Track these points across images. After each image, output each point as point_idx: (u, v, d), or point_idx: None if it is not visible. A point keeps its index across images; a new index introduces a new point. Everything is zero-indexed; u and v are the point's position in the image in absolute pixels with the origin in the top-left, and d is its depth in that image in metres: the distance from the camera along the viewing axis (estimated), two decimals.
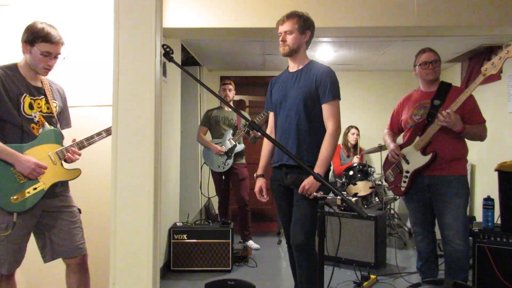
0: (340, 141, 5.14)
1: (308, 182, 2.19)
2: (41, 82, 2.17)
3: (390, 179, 2.87)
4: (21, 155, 2.00)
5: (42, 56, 2.04)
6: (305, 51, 2.44)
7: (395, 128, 2.93)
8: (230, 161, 4.16)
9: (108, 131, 2.20)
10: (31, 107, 2.08)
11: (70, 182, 2.25)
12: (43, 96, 2.16)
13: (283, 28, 2.36)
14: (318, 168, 2.23)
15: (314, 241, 2.32)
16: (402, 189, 2.73)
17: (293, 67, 2.45)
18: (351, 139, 5.17)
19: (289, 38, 2.34)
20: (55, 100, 2.22)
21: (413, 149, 2.66)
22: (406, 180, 2.70)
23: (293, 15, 2.35)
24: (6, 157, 1.97)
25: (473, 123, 2.54)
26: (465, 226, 2.55)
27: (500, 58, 2.37)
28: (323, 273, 1.86)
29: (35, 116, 2.09)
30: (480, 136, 2.60)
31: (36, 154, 2.05)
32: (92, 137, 2.21)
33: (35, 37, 2.02)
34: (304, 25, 2.35)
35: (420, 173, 2.64)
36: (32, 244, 2.15)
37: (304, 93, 2.32)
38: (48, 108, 2.17)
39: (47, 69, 2.11)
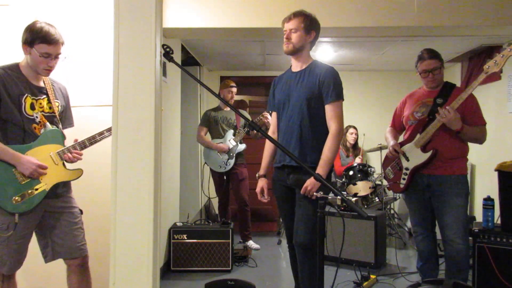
0: None
1: (310, 183, 2.19)
2: (44, 82, 2.16)
3: (389, 176, 2.87)
4: (22, 156, 1.99)
5: (42, 57, 2.03)
6: (309, 52, 2.44)
7: (397, 126, 2.94)
8: (232, 161, 4.16)
9: (110, 130, 2.16)
10: (32, 107, 2.07)
11: (71, 182, 2.24)
12: (45, 96, 2.15)
13: (288, 25, 2.35)
14: (321, 169, 2.22)
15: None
16: (401, 186, 2.74)
17: (296, 67, 2.45)
18: (350, 138, 5.16)
19: (294, 36, 2.34)
20: (57, 99, 2.21)
21: (414, 147, 2.66)
22: (406, 177, 2.70)
23: (300, 14, 2.35)
24: (7, 158, 1.96)
25: (473, 125, 2.54)
26: (465, 226, 2.55)
27: (503, 56, 2.36)
28: (323, 273, 1.86)
29: (36, 117, 2.08)
30: (479, 139, 2.59)
31: (37, 155, 2.04)
32: (94, 137, 2.19)
33: (34, 38, 2.00)
34: (310, 25, 2.35)
35: (419, 170, 2.64)
36: (33, 244, 2.15)
37: (307, 93, 2.32)
38: (50, 108, 2.16)
39: (48, 70, 2.09)
